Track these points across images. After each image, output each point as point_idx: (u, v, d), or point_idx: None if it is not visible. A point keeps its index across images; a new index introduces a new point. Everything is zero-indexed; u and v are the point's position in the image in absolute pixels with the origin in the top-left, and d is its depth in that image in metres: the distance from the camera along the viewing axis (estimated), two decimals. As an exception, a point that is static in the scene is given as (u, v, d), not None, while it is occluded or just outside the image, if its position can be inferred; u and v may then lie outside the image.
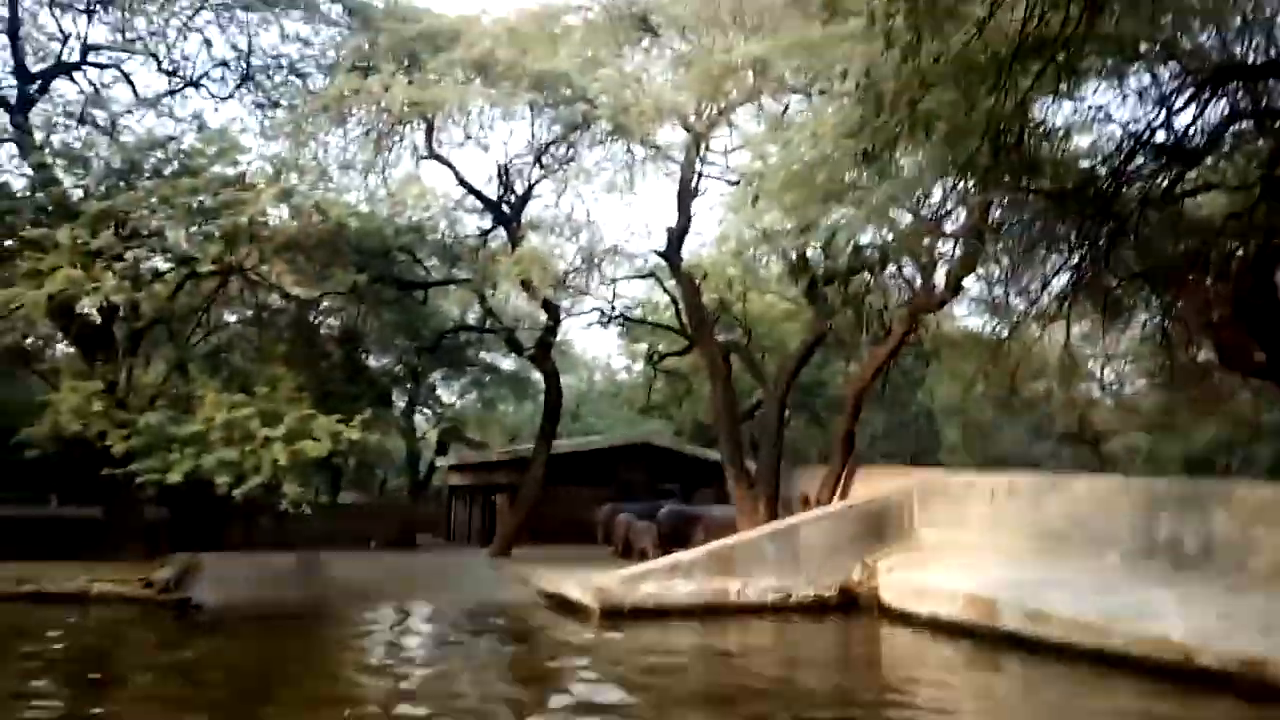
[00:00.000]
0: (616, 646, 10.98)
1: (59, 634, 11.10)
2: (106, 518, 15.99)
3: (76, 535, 16.19)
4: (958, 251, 15.00)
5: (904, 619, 13.06)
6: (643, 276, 21.43)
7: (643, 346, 27.89)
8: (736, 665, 10.39)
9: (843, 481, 16.78)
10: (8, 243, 14.03)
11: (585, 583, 13.45)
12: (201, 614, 12.94)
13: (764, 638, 12.10)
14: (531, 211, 19.45)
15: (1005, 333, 16.28)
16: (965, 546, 13.97)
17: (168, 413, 13.58)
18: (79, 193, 14.46)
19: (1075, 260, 14.42)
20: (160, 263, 15.46)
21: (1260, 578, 10.15)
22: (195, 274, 15.03)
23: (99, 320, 14.96)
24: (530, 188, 18.85)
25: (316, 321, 20.52)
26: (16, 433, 14.97)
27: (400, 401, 29.96)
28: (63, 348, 19.41)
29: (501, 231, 19.28)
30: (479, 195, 18.89)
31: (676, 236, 17.27)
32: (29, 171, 14.49)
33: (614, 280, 20.22)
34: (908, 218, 13.70)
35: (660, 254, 17.71)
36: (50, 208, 13.78)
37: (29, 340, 18.34)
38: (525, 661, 10.22)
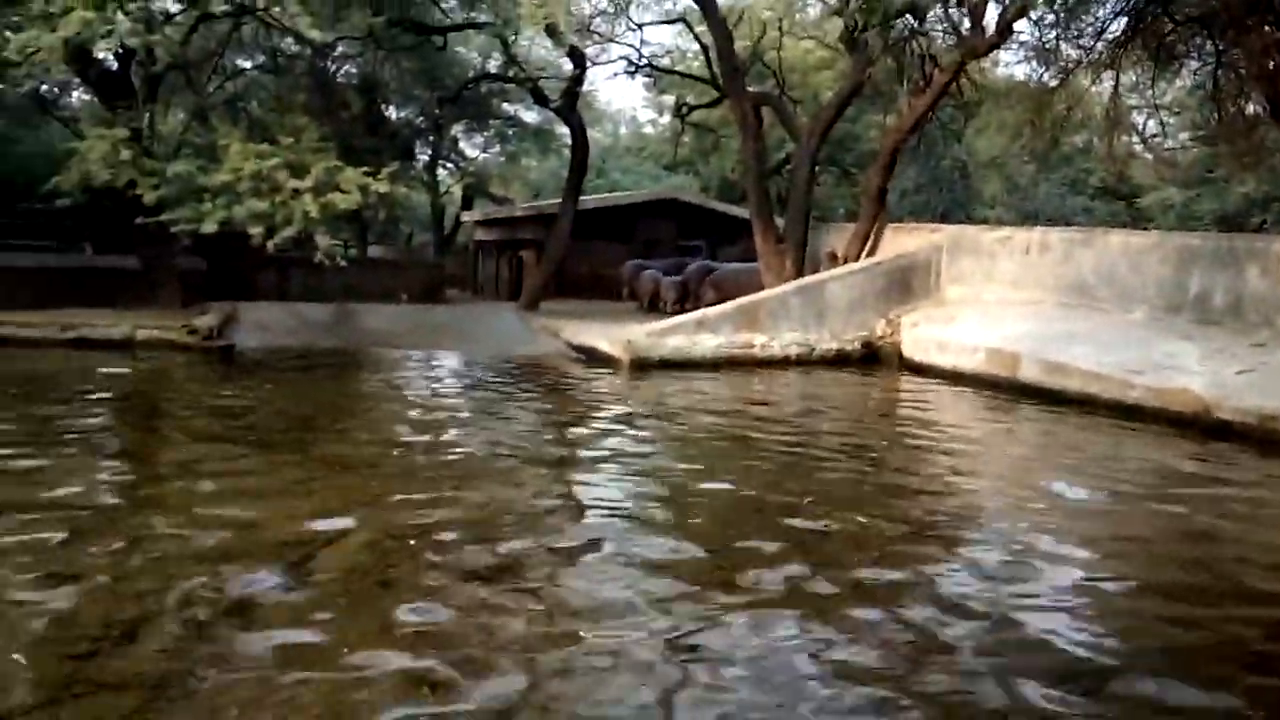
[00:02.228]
0: (646, 395, 11.38)
1: (109, 376, 11.56)
2: (142, 267, 16.23)
3: (112, 284, 16.42)
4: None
5: (925, 371, 13.41)
6: (671, 22, 20.45)
7: (670, 98, 27.04)
8: (761, 410, 10.79)
9: (872, 238, 16.69)
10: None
11: (614, 336, 13.78)
12: (244, 358, 13.44)
13: (787, 387, 12.48)
14: (555, -53, 18.25)
15: (1053, 82, 15.66)
16: (991, 302, 14.11)
17: (195, 162, 13.45)
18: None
19: (1133, 3, 13.64)
20: (171, 4, 14.82)
21: (1287, 333, 10.29)
22: (208, 15, 14.40)
23: (116, 66, 14.54)
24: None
25: (334, 69, 19.90)
26: (45, 182, 14.96)
27: (423, 155, 29.52)
28: (80, 95, 19.06)
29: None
30: (499, -73, 17.71)
31: (710, -24, 16.27)
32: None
33: (641, 26, 19.27)
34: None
35: (691, -5, 16.76)
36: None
37: (45, 87, 17.98)
38: (560, 408, 10.63)
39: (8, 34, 12.96)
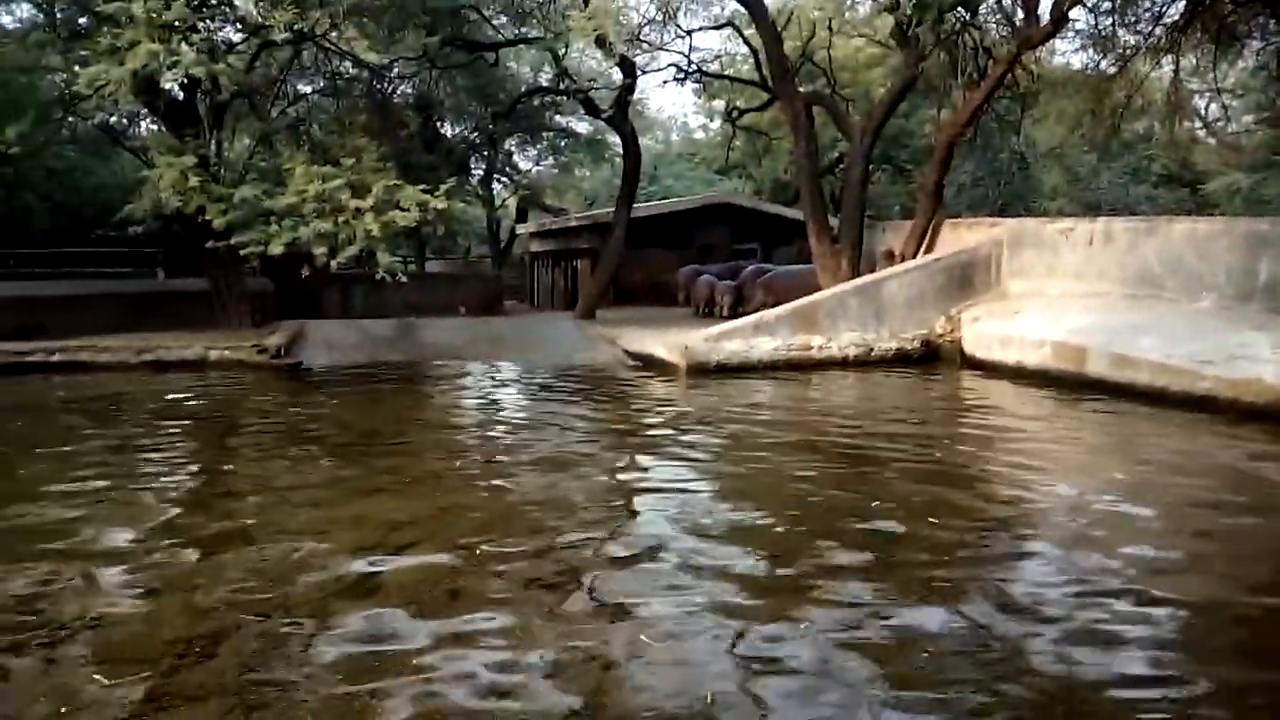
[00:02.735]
0: (705, 400, 11.41)
1: (183, 396, 11.94)
2: (212, 289, 16.73)
3: (184, 306, 17.00)
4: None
5: (987, 368, 13.24)
6: (719, 27, 20.47)
7: (720, 103, 27.07)
8: (821, 413, 10.76)
9: (929, 235, 16.52)
10: (82, 20, 13.98)
11: (671, 342, 13.84)
12: (312, 375, 13.78)
13: (846, 388, 12.41)
14: (602, -42, 18.42)
15: (1112, 69, 15.37)
16: (1054, 295, 13.87)
17: (260, 186, 13.86)
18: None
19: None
20: (233, 34, 15.30)
21: (1365, 319, 9.96)
22: (269, 43, 14.84)
23: (182, 96, 15.05)
24: (600, -69, 17.75)
25: (391, 90, 20.32)
26: (117, 211, 15.52)
27: (478, 170, 29.97)
28: (148, 125, 19.72)
29: (571, -17, 18.44)
30: (546, -57, 17.97)
31: (758, -22, 16.28)
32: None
33: (690, 32, 19.32)
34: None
35: None
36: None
37: (114, 119, 18.65)
38: (619, 415, 10.71)
39: (77, 68, 13.51)
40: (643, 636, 4.33)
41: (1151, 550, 5.54)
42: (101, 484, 7.26)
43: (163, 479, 7.57)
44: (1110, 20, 15.18)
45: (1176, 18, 14.16)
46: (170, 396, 11.87)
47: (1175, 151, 23.41)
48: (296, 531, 5.94)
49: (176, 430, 9.75)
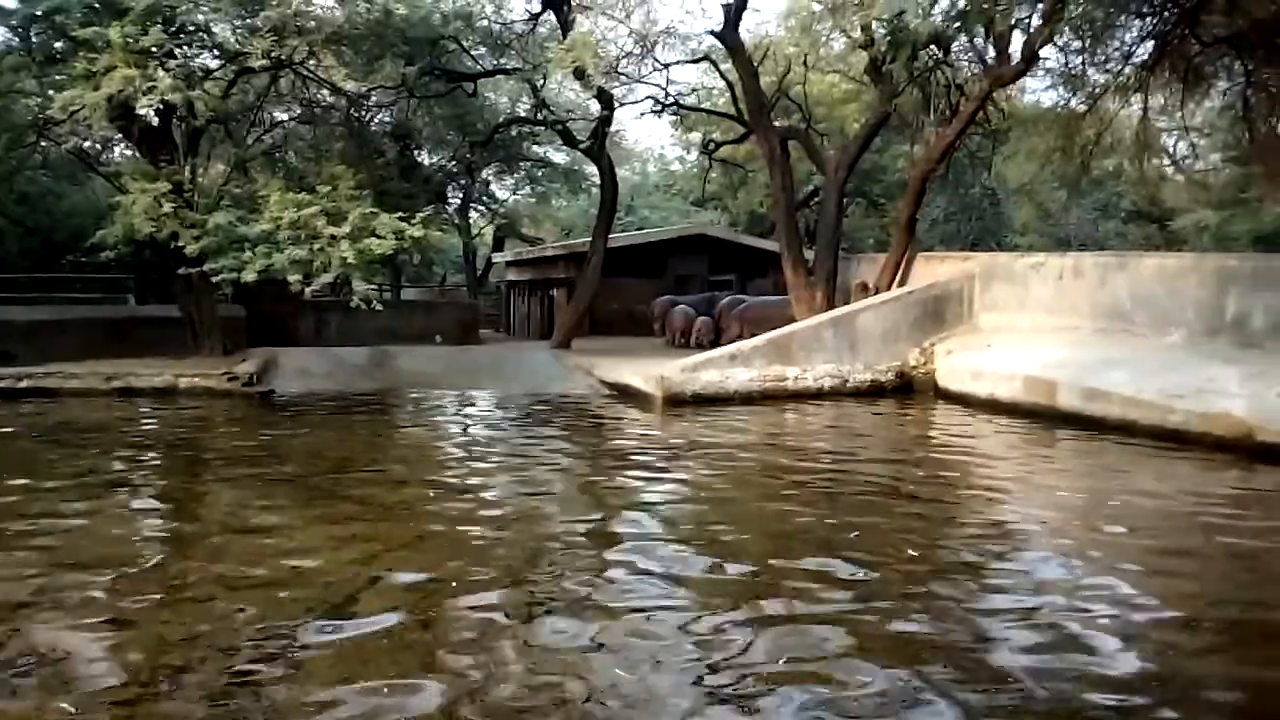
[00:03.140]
0: (680, 430, 11.39)
1: (153, 424, 11.78)
2: (183, 316, 16.57)
3: (155, 333, 16.80)
4: (1034, 21, 14.16)
5: (960, 400, 13.32)
6: (696, 61, 20.65)
7: (697, 135, 27.26)
8: (797, 443, 10.77)
9: (902, 268, 16.68)
10: (58, 45, 13.92)
11: (647, 372, 13.84)
12: (283, 403, 13.64)
13: (822, 419, 12.44)
14: (581, -10, 18.63)
15: (1082, 107, 15.66)
16: (1026, 329, 14.02)
17: (235, 212, 13.78)
18: (123, -12, 14.16)
19: (1159, 26, 13.64)
20: (210, 60, 15.28)
21: (1330, 354, 10.12)
22: (246, 70, 14.83)
23: (157, 121, 14.97)
24: (579, -36, 17.97)
25: (368, 118, 20.33)
26: (89, 235, 15.37)
27: (455, 198, 30.01)
28: (122, 150, 19.60)
29: (551, 16, 18.59)
30: (525, -25, 18.12)
31: (734, 13, 16.47)
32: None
33: (667, 65, 19.49)
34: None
35: (717, 34, 16.95)
36: (97, 5, 13.52)
37: (88, 144, 18.52)
38: (594, 446, 10.67)
39: (51, 93, 13.42)
40: (616, 669, 4.28)
41: (1123, 583, 5.56)
42: (65, 510, 7.13)
43: (127, 509, 7.45)
44: (1080, 59, 15.50)
45: (1145, 57, 14.47)
46: (139, 424, 11.71)
47: (1144, 188, 23.80)
48: (263, 564, 5.85)
49: (143, 459, 9.61)
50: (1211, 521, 6.99)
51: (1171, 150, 25.47)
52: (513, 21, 19.35)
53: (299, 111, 19.11)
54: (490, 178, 30.59)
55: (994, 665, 4.33)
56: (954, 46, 16.02)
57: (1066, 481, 8.77)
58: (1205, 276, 11.85)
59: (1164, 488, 8.18)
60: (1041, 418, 11.58)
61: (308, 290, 13.12)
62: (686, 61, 19.64)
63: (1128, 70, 14.93)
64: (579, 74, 16.02)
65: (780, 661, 4.35)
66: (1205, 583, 5.71)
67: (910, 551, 6.09)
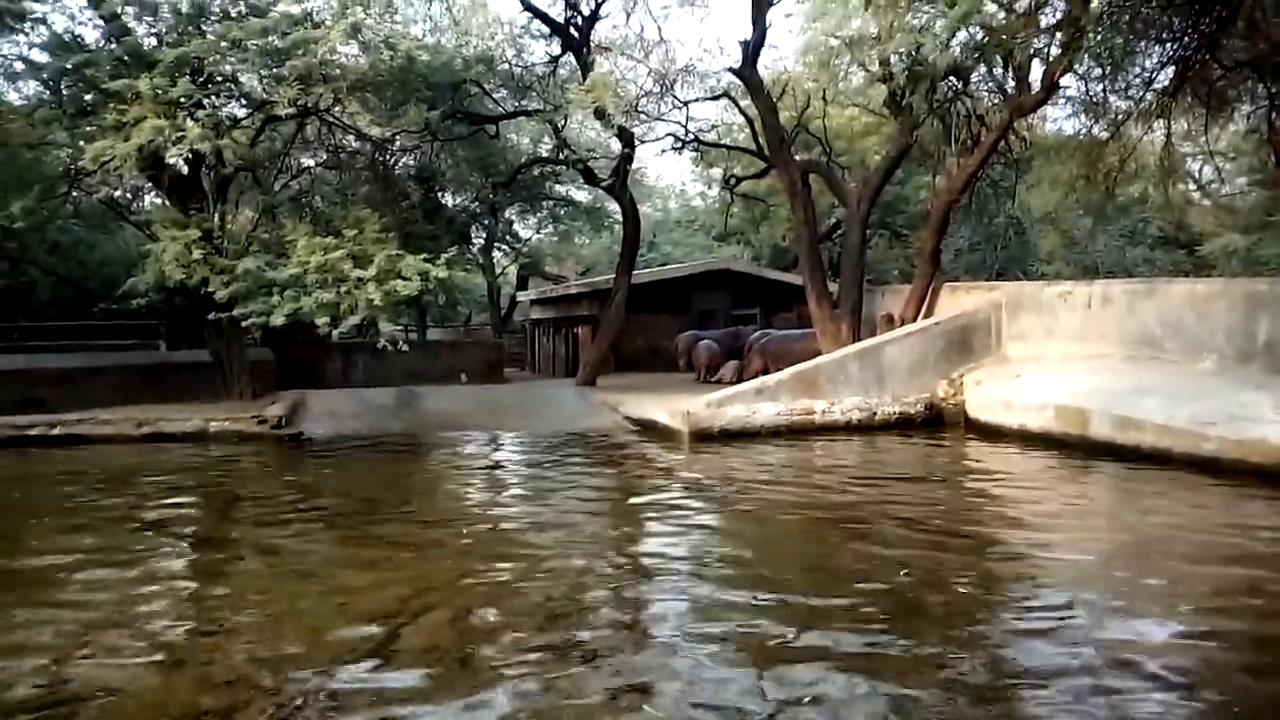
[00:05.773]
0: (708, 466, 11.34)
1: (184, 468, 11.87)
2: (213, 360, 16.76)
3: (186, 378, 17.03)
4: (1053, 50, 14.18)
5: (991, 431, 13.18)
6: (716, 98, 20.80)
7: (718, 171, 27.40)
8: (825, 478, 10.68)
9: (928, 299, 16.61)
10: (89, 97, 14.23)
11: (673, 408, 13.82)
12: (313, 445, 13.71)
13: (851, 453, 12.34)
14: (600, 33, 18.87)
15: (1104, 134, 15.61)
16: (1055, 358, 13.89)
17: (263, 257, 13.96)
18: (152, 41, 14.48)
19: (1179, 51, 13.62)
20: (238, 109, 15.57)
21: (1368, 377, 9.95)
22: (273, 118, 15.11)
23: (186, 170, 15.24)
24: (598, 6, 18.18)
25: (393, 162, 20.61)
26: (120, 283, 15.62)
27: (479, 239, 30.27)
28: (153, 199, 19.95)
29: (570, 58, 18.84)
30: (545, 18, 18.37)
31: (752, 51, 16.60)
32: (101, 22, 14.48)
33: (687, 103, 19.64)
34: (1001, 14, 13.00)
35: (735, 71, 17.09)
36: (126, 58, 13.85)
37: (119, 193, 18.86)
38: (621, 483, 10.63)
39: (82, 144, 13.70)
40: (648, 708, 4.23)
41: (1161, 618, 5.45)
42: (100, 556, 7.17)
43: (161, 553, 7.48)
44: (1101, 86, 15.45)
45: (1167, 83, 14.42)
46: (170, 469, 11.80)
47: (1170, 214, 23.60)
48: (299, 606, 5.86)
49: (175, 503, 9.67)
50: (1245, 555, 6.85)
51: (1197, 175, 25.33)
52: (533, 64, 19.66)
53: (325, 157, 19.41)
54: (513, 217, 30.87)
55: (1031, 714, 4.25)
56: (973, 77, 16.05)
57: (1105, 517, 8.63)
58: (1235, 301, 11.72)
59: (1205, 519, 8.02)
60: (1074, 448, 11.43)
61: (335, 333, 13.21)
62: (706, 99, 19.79)
63: (1149, 96, 14.87)
64: (599, 114, 16.18)
65: (816, 702, 4.28)
66: (1245, 629, 5.58)
67: (959, 589, 6.00)
